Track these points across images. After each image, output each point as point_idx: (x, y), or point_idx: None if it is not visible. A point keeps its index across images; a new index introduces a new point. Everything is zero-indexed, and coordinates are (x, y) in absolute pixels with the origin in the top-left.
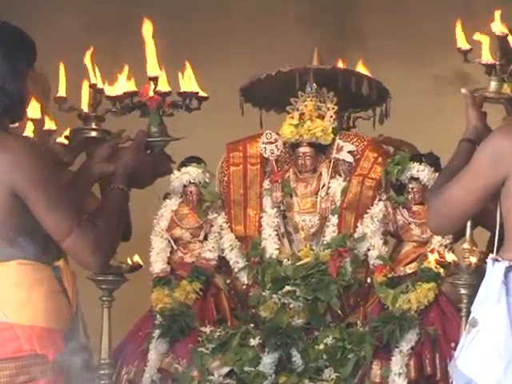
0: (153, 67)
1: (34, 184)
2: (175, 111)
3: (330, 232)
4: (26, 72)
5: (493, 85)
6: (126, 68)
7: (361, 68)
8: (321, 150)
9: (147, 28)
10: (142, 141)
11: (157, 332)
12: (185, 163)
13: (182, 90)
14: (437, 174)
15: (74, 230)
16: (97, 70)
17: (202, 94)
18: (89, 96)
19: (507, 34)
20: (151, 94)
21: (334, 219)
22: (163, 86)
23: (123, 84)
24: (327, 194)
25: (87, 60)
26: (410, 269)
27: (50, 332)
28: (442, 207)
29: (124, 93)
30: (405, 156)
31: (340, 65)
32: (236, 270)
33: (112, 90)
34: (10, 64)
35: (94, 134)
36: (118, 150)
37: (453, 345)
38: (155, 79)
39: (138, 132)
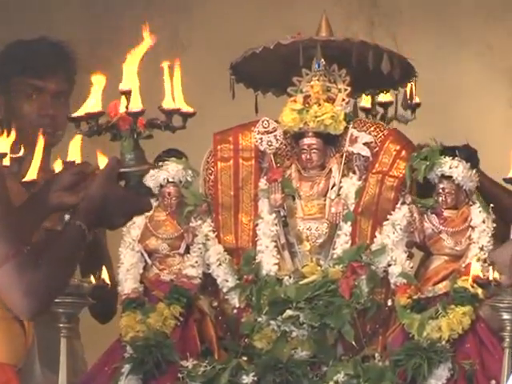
0: (128, 78)
1: None
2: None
3: (342, 243)
4: None
5: None
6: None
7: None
8: (330, 141)
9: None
10: (113, 170)
11: (127, 367)
12: (162, 158)
13: (163, 106)
14: (474, 171)
15: (7, 260)
16: None
17: (186, 109)
18: None
19: None
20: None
21: (347, 227)
22: (134, 104)
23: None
24: (338, 195)
25: None
26: (440, 289)
27: (1, 367)
28: None
29: (86, 114)
30: (434, 149)
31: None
32: (225, 290)
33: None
34: None
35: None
36: (84, 178)
37: (493, 382)
38: (128, 93)
39: (109, 159)
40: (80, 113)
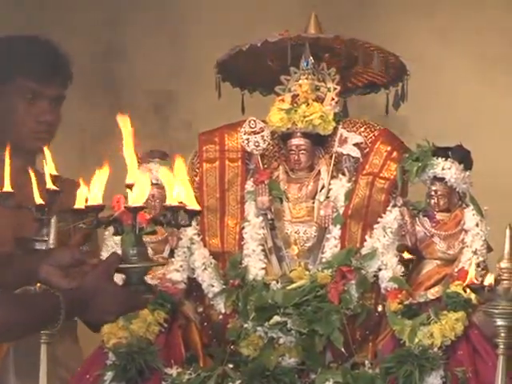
0: (133, 171)
1: None
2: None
3: (331, 247)
4: None
5: None
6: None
7: None
8: (319, 142)
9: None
10: (111, 266)
11: (109, 374)
12: (145, 159)
13: (167, 203)
14: (467, 172)
15: None
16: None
17: (192, 206)
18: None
19: None
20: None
21: (336, 230)
22: (137, 199)
23: (86, 194)
24: (327, 198)
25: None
26: (432, 294)
27: None
28: None
29: (86, 207)
30: (426, 150)
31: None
32: (210, 295)
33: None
34: None
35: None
36: (82, 266)
37: None
38: (132, 187)
39: (110, 254)
40: (80, 205)
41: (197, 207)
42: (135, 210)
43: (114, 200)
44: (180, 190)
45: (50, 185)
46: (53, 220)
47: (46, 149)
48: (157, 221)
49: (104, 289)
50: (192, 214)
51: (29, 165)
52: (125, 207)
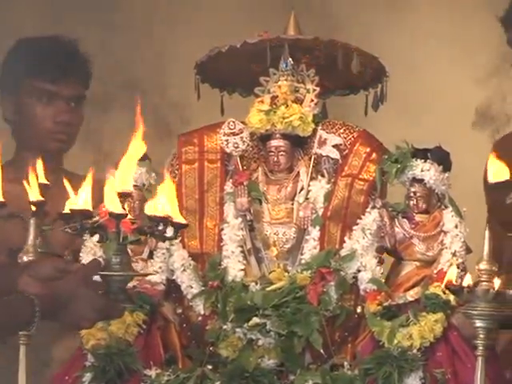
0: (125, 180)
1: None
2: None
3: (310, 248)
4: None
5: None
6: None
7: None
8: (298, 143)
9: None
10: (90, 272)
11: (88, 376)
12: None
13: (150, 213)
14: (446, 174)
15: None
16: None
17: (178, 219)
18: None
19: None
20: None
21: (315, 232)
22: (121, 184)
23: (73, 199)
24: (306, 199)
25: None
26: (411, 295)
27: None
28: None
29: (72, 211)
30: (405, 151)
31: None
32: (189, 296)
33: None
34: None
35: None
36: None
37: None
38: (125, 196)
39: (91, 260)
40: (66, 209)
41: (182, 220)
42: (119, 217)
43: (100, 207)
44: (165, 202)
45: (37, 196)
46: (32, 221)
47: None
48: (142, 231)
49: (80, 294)
50: (178, 227)
51: (57, 165)
52: (109, 214)
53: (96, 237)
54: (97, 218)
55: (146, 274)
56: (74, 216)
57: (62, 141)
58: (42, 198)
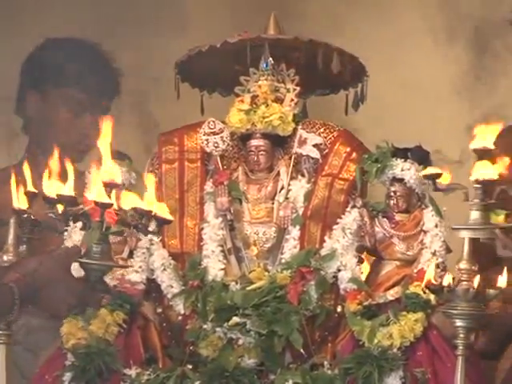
0: (109, 170)
1: None
2: None
3: (290, 247)
4: None
5: None
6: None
7: None
8: (278, 142)
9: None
10: (68, 258)
11: (68, 375)
12: None
13: (135, 206)
14: None
15: None
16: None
17: (163, 215)
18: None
19: None
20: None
21: (295, 231)
22: (104, 196)
23: (59, 184)
24: (286, 199)
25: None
26: (391, 295)
27: None
28: None
29: (58, 196)
30: (385, 151)
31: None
32: (170, 296)
33: (50, 188)
34: None
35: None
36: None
37: None
38: (109, 186)
39: (71, 246)
40: (52, 193)
41: (168, 216)
42: (104, 206)
43: (85, 195)
44: (151, 199)
45: (24, 204)
46: (12, 221)
47: (25, 164)
48: (125, 222)
49: (58, 279)
50: (162, 222)
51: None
52: (94, 202)
53: (79, 224)
54: (81, 206)
55: (126, 266)
56: (61, 201)
57: (83, 151)
58: (27, 205)
